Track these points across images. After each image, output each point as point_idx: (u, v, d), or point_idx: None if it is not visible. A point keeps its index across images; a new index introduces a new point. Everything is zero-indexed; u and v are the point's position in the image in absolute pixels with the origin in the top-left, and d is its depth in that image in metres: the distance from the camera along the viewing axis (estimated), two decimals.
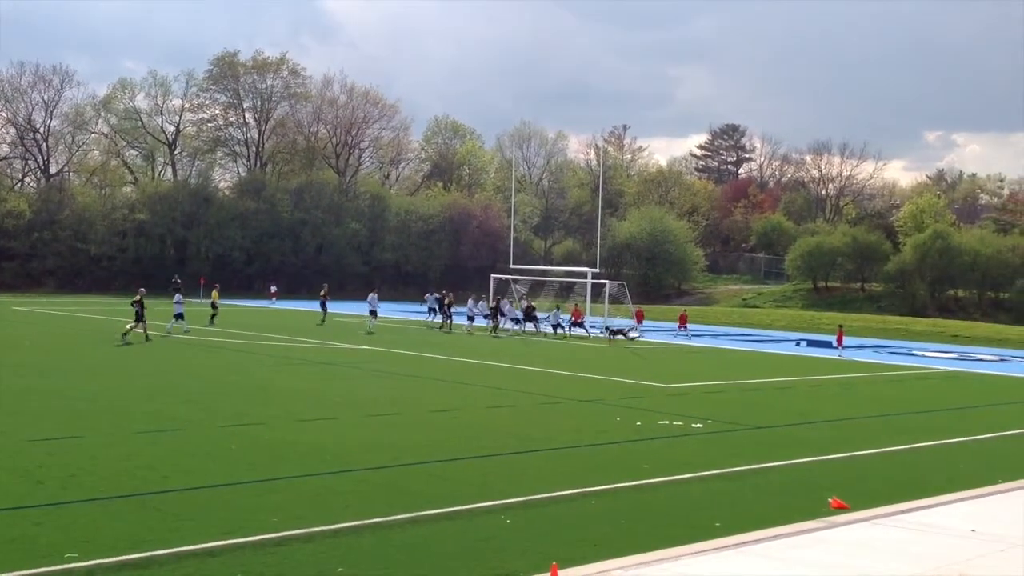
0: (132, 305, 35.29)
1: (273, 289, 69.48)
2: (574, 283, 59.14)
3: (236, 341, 36.10)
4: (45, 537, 10.70)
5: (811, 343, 46.09)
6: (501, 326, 47.26)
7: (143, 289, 37.37)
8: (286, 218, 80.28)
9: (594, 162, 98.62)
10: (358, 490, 13.50)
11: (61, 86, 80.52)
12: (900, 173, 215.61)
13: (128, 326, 34.77)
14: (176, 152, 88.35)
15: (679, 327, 49.22)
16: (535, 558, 10.39)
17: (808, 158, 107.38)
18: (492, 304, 48.82)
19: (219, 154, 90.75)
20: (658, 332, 50.64)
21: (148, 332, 34.67)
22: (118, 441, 16.26)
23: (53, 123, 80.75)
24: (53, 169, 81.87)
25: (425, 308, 52.57)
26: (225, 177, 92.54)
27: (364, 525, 11.55)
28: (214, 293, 46.07)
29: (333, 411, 20.35)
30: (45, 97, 79.97)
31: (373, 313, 45.93)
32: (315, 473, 14.36)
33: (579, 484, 14.06)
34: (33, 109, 79.83)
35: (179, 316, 38.40)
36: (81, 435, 16.64)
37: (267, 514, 11.86)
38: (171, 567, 9.86)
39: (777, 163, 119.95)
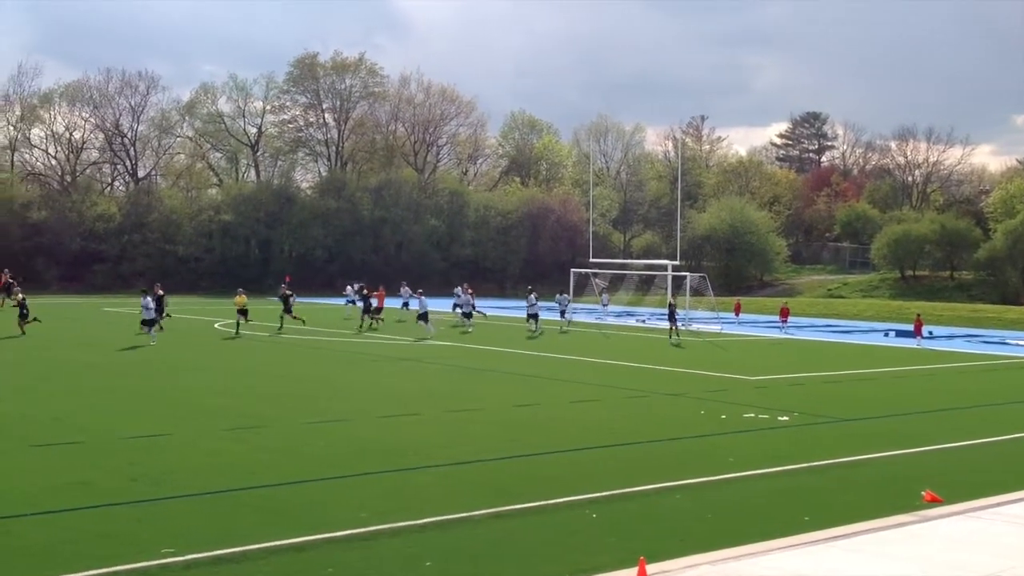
0: (358, 292, 40.60)
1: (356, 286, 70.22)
2: (654, 276, 58.76)
3: (315, 339, 36.58)
4: (143, 532, 10.97)
5: (899, 333, 45.09)
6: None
7: (359, 283, 43.27)
8: (366, 216, 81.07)
9: (672, 154, 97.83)
10: (442, 485, 13.58)
11: (147, 91, 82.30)
12: (989, 158, 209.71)
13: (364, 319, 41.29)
14: (258, 153, 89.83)
15: (781, 320, 47.61)
16: (622, 553, 10.35)
17: (893, 144, 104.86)
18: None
19: (300, 154, 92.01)
20: (742, 324, 50.09)
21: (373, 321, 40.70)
22: (206, 438, 16.61)
23: (140, 128, 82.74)
24: (141, 173, 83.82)
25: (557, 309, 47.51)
26: (306, 177, 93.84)
27: (450, 520, 11.61)
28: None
29: (414, 407, 20.50)
30: (132, 102, 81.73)
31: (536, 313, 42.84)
32: (399, 469, 14.47)
33: (665, 478, 13.96)
34: (121, 114, 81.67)
35: (424, 317, 38.78)
36: (170, 432, 17.02)
37: (354, 510, 12.00)
38: (264, 562, 10.03)
39: (860, 150, 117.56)
